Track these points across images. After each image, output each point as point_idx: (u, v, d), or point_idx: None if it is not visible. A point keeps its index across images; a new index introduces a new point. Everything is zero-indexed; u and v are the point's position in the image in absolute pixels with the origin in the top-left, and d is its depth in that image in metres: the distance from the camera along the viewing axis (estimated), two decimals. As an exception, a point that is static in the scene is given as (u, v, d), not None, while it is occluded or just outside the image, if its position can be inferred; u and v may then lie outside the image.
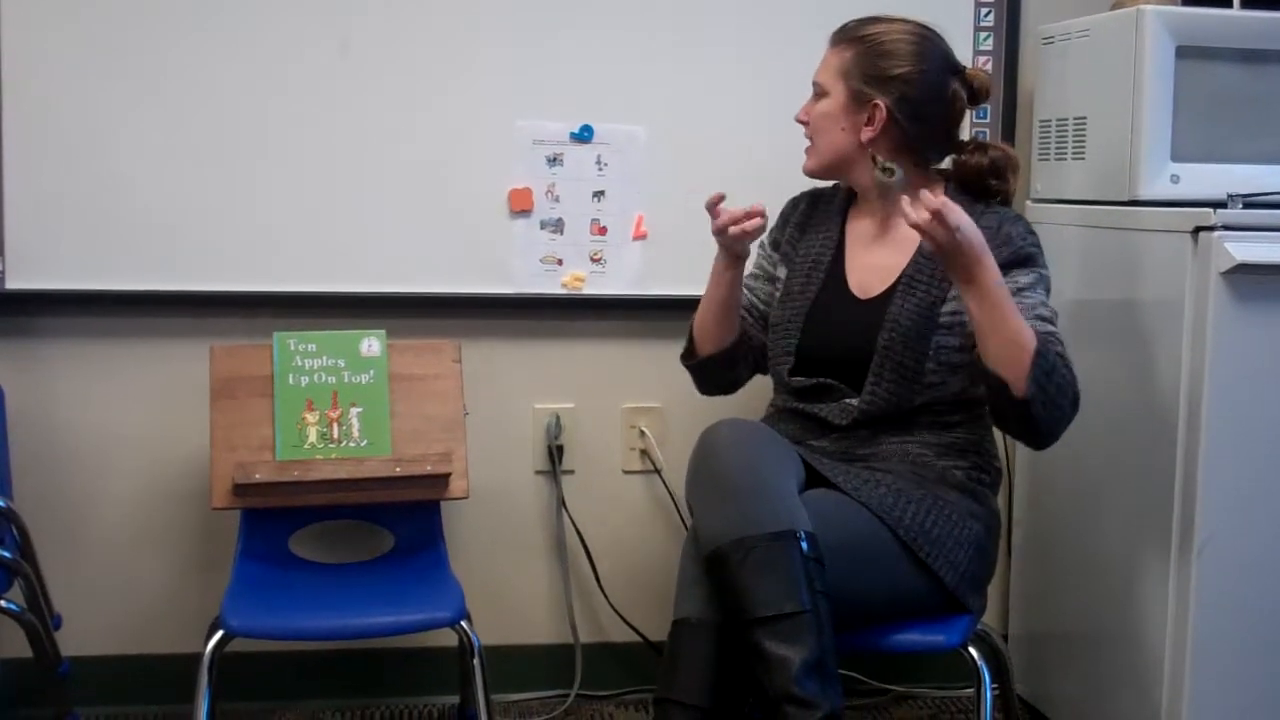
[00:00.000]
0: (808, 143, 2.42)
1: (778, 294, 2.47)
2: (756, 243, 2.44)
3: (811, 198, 2.54)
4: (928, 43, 2.35)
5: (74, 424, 2.73)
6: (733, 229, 2.31)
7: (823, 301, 2.39)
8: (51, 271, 2.67)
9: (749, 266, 2.48)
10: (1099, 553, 2.62)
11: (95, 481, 2.75)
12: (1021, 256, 2.28)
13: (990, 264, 2.13)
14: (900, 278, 2.33)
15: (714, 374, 2.51)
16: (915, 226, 2.10)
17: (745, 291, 2.50)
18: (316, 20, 2.69)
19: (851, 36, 2.36)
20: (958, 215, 2.08)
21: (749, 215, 2.31)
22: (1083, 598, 2.68)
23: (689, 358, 2.52)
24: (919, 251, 2.33)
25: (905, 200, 2.13)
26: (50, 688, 2.61)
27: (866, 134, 2.33)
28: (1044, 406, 2.15)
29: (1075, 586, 2.71)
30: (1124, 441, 2.53)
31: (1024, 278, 2.26)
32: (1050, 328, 2.22)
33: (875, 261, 2.39)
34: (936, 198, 2.09)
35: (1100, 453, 2.60)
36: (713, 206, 2.32)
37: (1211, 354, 2.33)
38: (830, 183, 2.52)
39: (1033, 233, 2.33)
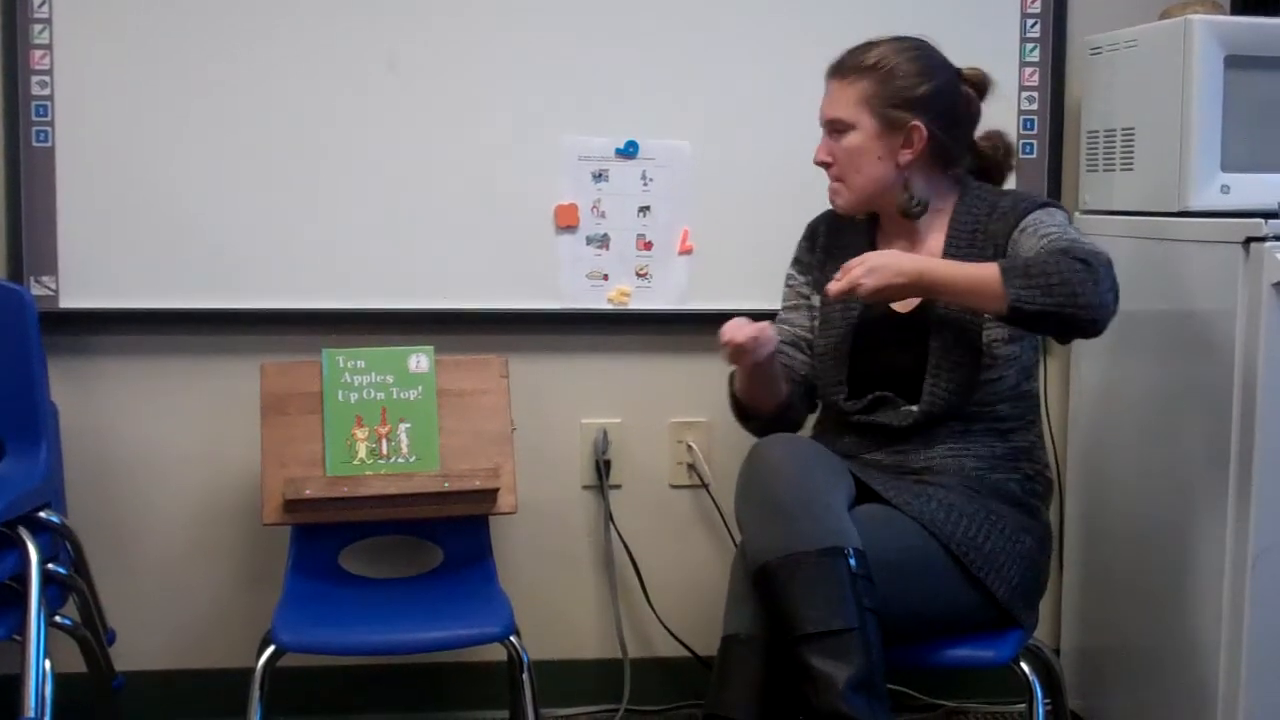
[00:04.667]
0: (835, 182, 2.37)
1: (816, 321, 2.46)
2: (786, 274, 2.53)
3: (829, 219, 2.52)
4: (933, 54, 2.35)
5: (127, 441, 2.76)
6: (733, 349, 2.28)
7: (865, 326, 2.37)
8: (105, 290, 2.70)
9: (781, 300, 2.52)
10: (1152, 566, 2.60)
11: (148, 498, 2.78)
12: (1033, 207, 2.29)
13: (909, 257, 2.20)
14: None
15: (775, 427, 2.44)
16: (841, 295, 2.20)
17: (784, 326, 2.49)
18: (365, 40, 2.72)
19: (859, 66, 2.33)
20: (857, 263, 2.17)
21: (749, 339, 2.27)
22: (1136, 612, 2.66)
23: (746, 421, 2.49)
24: (945, 256, 2.32)
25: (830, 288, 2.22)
26: (104, 702, 2.64)
27: (905, 157, 2.32)
28: (1040, 294, 2.09)
29: (1128, 600, 2.68)
30: (1176, 454, 2.51)
31: (1028, 219, 2.28)
32: (1053, 232, 2.22)
33: None
34: (836, 282, 2.19)
35: (1152, 465, 2.58)
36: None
37: (1264, 366, 2.30)
38: None
39: (1045, 198, 2.36)
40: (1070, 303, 2.10)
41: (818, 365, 2.44)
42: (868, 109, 2.31)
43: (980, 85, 2.40)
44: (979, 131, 2.43)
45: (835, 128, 2.35)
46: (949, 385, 2.28)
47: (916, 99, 2.31)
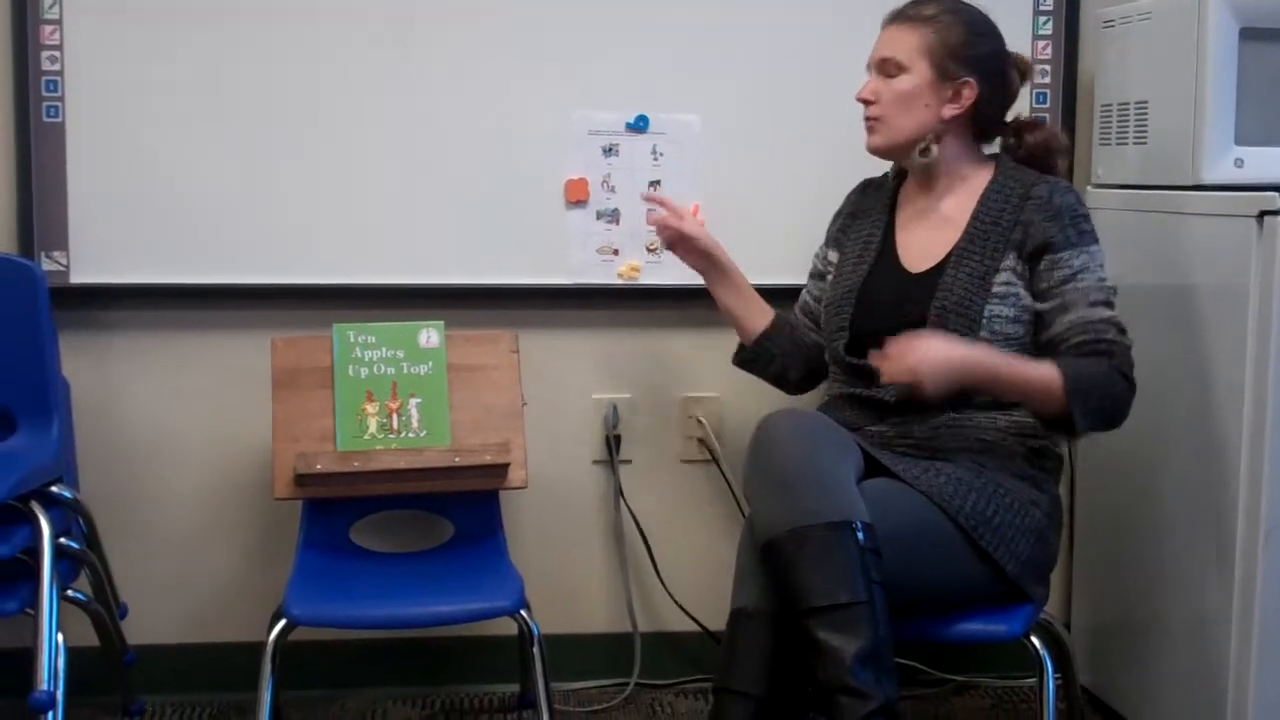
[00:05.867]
0: (872, 120, 2.38)
1: (830, 276, 2.50)
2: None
3: (863, 186, 2.56)
4: (990, 24, 2.38)
5: (139, 416, 2.77)
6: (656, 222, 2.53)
7: (875, 277, 2.40)
8: (116, 266, 2.70)
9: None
10: (1162, 541, 2.59)
11: (160, 472, 2.79)
12: (1070, 238, 2.28)
13: (974, 360, 2.19)
14: (952, 251, 2.33)
15: (751, 359, 2.58)
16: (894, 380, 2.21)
17: (803, 294, 2.59)
18: (375, 15, 2.71)
19: (920, 16, 2.35)
20: (911, 357, 2.17)
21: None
22: (1146, 587, 2.65)
23: (737, 354, 2.60)
24: (970, 227, 2.33)
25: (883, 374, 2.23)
26: (116, 676, 2.66)
27: (950, 111, 2.34)
28: (1099, 418, 2.22)
29: (1138, 575, 2.68)
30: (1187, 429, 2.50)
31: (1076, 260, 2.27)
32: (1104, 313, 2.26)
33: (926, 238, 2.39)
34: (888, 364, 2.18)
35: (1163, 440, 2.57)
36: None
37: (1277, 340, 2.29)
38: (881, 172, 2.52)
39: (1082, 203, 2.33)
40: (1113, 422, 2.26)
41: (825, 314, 2.46)
42: (927, 56, 2.33)
43: (1023, 72, 2.42)
44: (1036, 124, 2.46)
45: (887, 69, 2.35)
46: None
47: (973, 57, 2.33)
